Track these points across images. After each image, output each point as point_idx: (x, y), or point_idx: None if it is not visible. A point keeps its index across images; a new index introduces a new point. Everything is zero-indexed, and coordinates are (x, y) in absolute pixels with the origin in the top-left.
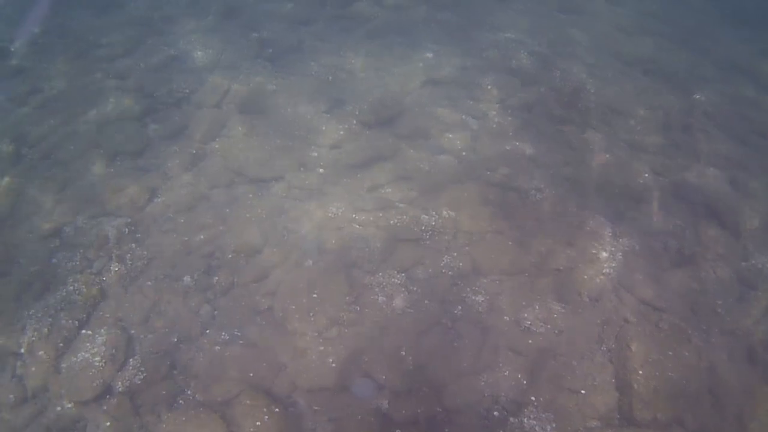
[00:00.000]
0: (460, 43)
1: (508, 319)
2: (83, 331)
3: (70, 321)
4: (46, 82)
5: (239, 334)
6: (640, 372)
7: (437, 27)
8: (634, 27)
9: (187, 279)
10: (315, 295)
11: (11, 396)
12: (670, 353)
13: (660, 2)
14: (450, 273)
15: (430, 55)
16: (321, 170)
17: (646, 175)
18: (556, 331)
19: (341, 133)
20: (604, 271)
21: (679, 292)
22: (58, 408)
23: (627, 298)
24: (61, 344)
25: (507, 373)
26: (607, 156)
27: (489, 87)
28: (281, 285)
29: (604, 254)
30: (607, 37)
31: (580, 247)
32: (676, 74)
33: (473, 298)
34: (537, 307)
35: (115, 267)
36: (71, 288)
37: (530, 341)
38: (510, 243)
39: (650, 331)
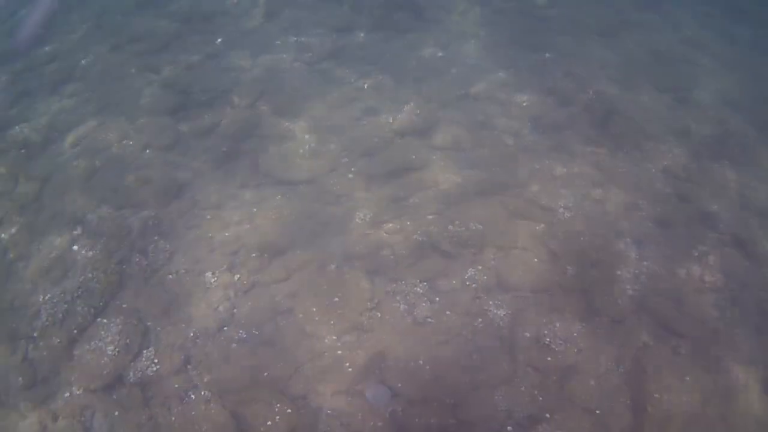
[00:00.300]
0: (498, 60)
1: (528, 335)
2: (99, 319)
3: (87, 308)
4: (79, 72)
5: (257, 333)
6: (656, 396)
7: (476, 42)
8: (668, 54)
9: (208, 275)
10: (336, 299)
11: (20, 378)
12: (687, 379)
13: (698, 31)
14: (474, 286)
15: (467, 69)
16: (350, 175)
17: (673, 200)
18: (576, 350)
19: (375, 140)
20: (627, 293)
21: (700, 319)
22: (67, 394)
23: (647, 321)
24: (75, 331)
25: (523, 388)
26: (636, 180)
27: (524, 104)
28: (303, 287)
29: (628, 276)
30: (641, 62)
31: (604, 268)
32: (708, 104)
33: (495, 312)
34: (558, 325)
35: (136, 258)
36: (90, 275)
37: (549, 358)
38: (535, 260)
39: (668, 356)
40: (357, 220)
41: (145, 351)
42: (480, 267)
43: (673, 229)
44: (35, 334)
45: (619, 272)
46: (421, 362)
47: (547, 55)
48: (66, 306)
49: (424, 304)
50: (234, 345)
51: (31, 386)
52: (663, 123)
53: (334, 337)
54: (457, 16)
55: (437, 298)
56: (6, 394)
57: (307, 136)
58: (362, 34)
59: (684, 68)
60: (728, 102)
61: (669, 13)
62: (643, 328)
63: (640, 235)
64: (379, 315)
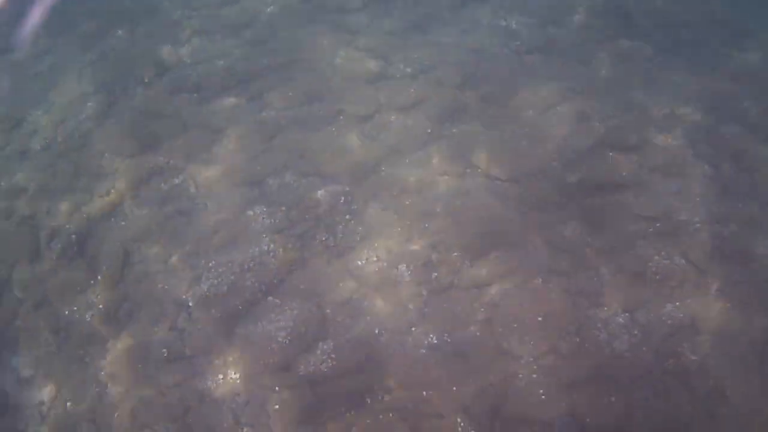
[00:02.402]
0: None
1: (712, 383)
2: (270, 298)
3: (257, 283)
4: None
5: (449, 340)
6: None
7: None
8: None
9: (402, 267)
10: (540, 318)
11: (164, 350)
12: None
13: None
14: (669, 322)
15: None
16: None
17: None
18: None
19: None
20: None
21: None
22: (220, 375)
23: None
24: (240, 306)
25: None
26: None
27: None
28: (506, 298)
29: None
30: None
31: None
32: None
33: (688, 356)
34: (753, 380)
35: (321, 236)
36: (265, 248)
37: None
38: (729, 304)
39: None
40: None
41: (320, 343)
42: (678, 303)
43: None
44: (190, 303)
45: None
46: (613, 399)
47: None
48: (232, 277)
49: (624, 337)
50: (423, 351)
51: (175, 361)
52: None
53: (531, 359)
54: None
55: (636, 332)
56: (144, 364)
57: None
58: None
59: None
60: None
61: None
62: None
63: None
64: (578, 340)
